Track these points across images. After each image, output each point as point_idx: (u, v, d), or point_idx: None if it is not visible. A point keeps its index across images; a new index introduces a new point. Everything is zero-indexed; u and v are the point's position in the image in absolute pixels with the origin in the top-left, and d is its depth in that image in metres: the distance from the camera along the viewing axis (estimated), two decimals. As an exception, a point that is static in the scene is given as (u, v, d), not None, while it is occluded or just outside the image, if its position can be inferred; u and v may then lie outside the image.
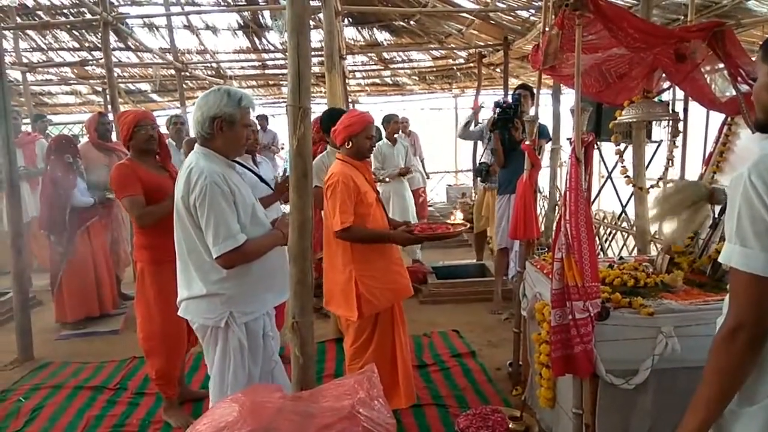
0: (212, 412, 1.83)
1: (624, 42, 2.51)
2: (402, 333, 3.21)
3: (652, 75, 3.05)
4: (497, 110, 4.92)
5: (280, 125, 12.24)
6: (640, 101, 3.02)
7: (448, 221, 3.38)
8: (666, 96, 3.27)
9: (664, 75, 3.05)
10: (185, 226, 2.33)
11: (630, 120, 3.06)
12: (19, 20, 8.30)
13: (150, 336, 3.24)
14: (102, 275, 5.23)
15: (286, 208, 2.76)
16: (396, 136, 6.79)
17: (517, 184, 4.92)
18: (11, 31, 8.47)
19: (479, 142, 6.41)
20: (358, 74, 12.74)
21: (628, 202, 5.27)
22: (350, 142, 3.05)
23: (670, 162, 3.27)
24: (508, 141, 4.86)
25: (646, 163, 3.78)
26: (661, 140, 4.45)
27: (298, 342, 2.28)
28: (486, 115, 6.15)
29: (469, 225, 3.47)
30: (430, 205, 9.99)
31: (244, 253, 2.29)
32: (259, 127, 10.16)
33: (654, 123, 3.28)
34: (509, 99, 5.12)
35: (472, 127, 6.08)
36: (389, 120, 6.67)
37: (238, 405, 1.78)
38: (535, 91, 5.28)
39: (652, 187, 3.46)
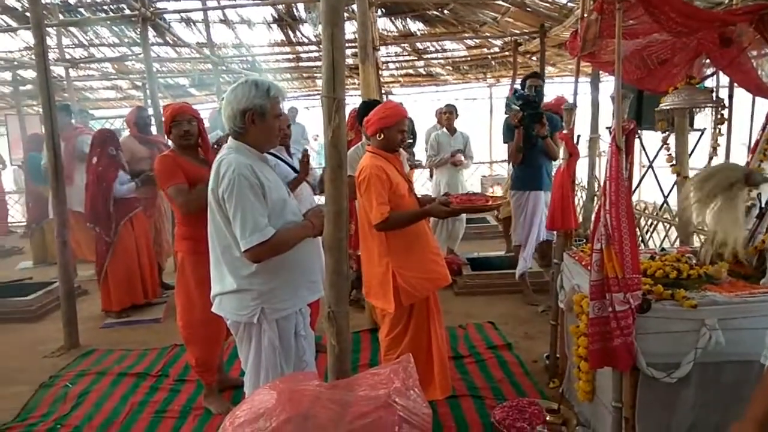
0: (251, 399, 1.87)
1: (666, 27, 2.44)
2: (437, 324, 3.20)
3: (695, 61, 2.96)
4: (519, 102, 4.69)
5: (314, 117, 12.31)
6: (682, 88, 2.93)
7: (488, 194, 3.27)
8: (710, 82, 3.17)
9: (707, 60, 2.96)
10: (216, 219, 2.33)
11: (671, 107, 2.98)
12: (61, 17, 8.53)
13: (189, 324, 3.31)
14: (144, 265, 5.38)
15: (321, 200, 2.78)
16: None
17: (532, 181, 4.84)
18: (54, 28, 8.72)
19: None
20: (391, 65, 12.69)
21: (670, 192, 5.12)
22: (382, 134, 3.04)
23: (715, 151, 3.17)
24: (527, 137, 4.73)
25: (689, 152, 3.67)
26: (705, 128, 4.32)
27: (334, 331, 2.30)
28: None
29: (506, 200, 3.34)
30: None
31: (271, 246, 2.24)
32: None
33: (697, 110, 3.18)
34: (524, 90, 4.87)
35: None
36: (445, 111, 6.65)
37: (276, 392, 1.80)
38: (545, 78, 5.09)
39: (696, 177, 3.36)
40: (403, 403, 1.77)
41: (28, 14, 4.68)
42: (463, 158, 6.42)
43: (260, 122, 2.33)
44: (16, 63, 9.60)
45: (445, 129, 6.63)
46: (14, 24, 9.23)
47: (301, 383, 1.91)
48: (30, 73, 10.17)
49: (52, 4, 8.03)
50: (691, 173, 3.48)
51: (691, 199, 2.71)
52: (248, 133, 2.34)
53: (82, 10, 9.20)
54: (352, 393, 1.86)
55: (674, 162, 3.32)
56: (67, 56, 9.92)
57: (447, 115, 6.60)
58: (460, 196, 3.29)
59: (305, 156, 3.46)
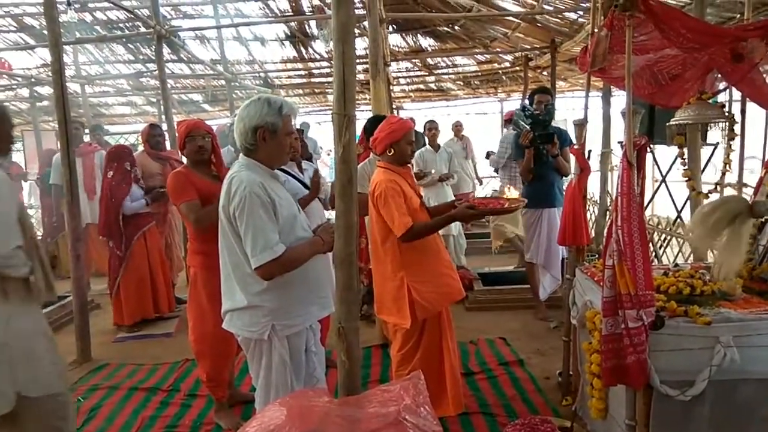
0: (261, 415, 1.87)
1: (676, 42, 2.44)
2: (450, 339, 3.18)
3: (706, 76, 2.95)
4: (529, 122, 4.56)
5: (326, 133, 12.39)
6: (693, 103, 2.92)
7: (504, 196, 3.22)
8: (722, 97, 3.15)
9: (719, 76, 2.94)
10: (227, 236, 2.33)
11: (682, 122, 2.96)
12: (78, 35, 8.69)
13: (201, 339, 3.32)
14: (158, 279, 5.40)
15: (332, 215, 2.79)
16: (440, 142, 6.83)
17: (545, 198, 4.79)
18: (71, 45, 8.87)
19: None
20: (402, 80, 12.77)
21: (683, 207, 5.08)
22: (392, 149, 3.05)
23: (728, 166, 3.15)
24: (538, 155, 4.65)
25: (701, 167, 3.65)
26: (718, 143, 4.29)
27: (344, 347, 2.29)
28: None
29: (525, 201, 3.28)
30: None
31: (282, 263, 2.25)
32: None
33: (710, 126, 3.16)
34: (531, 106, 4.76)
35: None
36: (430, 127, 6.74)
37: (287, 408, 1.80)
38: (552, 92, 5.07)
39: (709, 192, 3.33)
40: (414, 421, 1.76)
41: (45, 32, 4.78)
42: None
43: (271, 139, 2.34)
44: (33, 80, 9.78)
45: (429, 146, 6.70)
46: (32, 42, 9.43)
47: (311, 399, 1.91)
48: (47, 90, 10.34)
49: (69, 23, 8.19)
50: (704, 187, 3.47)
51: (694, 233, 2.68)
52: (259, 150, 2.36)
53: (98, 27, 9.38)
54: (362, 410, 1.85)
55: (691, 177, 3.29)
56: (84, 73, 10.10)
57: (432, 132, 6.70)
58: (479, 200, 3.27)
59: (316, 175, 3.49)
